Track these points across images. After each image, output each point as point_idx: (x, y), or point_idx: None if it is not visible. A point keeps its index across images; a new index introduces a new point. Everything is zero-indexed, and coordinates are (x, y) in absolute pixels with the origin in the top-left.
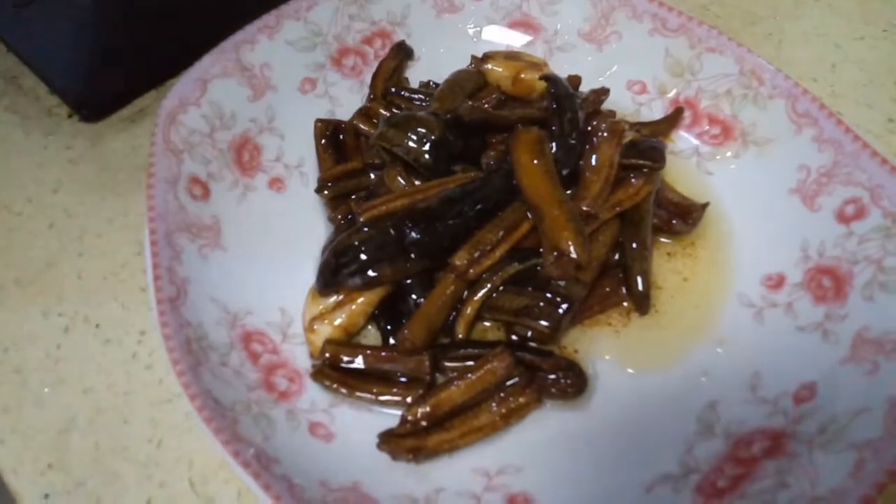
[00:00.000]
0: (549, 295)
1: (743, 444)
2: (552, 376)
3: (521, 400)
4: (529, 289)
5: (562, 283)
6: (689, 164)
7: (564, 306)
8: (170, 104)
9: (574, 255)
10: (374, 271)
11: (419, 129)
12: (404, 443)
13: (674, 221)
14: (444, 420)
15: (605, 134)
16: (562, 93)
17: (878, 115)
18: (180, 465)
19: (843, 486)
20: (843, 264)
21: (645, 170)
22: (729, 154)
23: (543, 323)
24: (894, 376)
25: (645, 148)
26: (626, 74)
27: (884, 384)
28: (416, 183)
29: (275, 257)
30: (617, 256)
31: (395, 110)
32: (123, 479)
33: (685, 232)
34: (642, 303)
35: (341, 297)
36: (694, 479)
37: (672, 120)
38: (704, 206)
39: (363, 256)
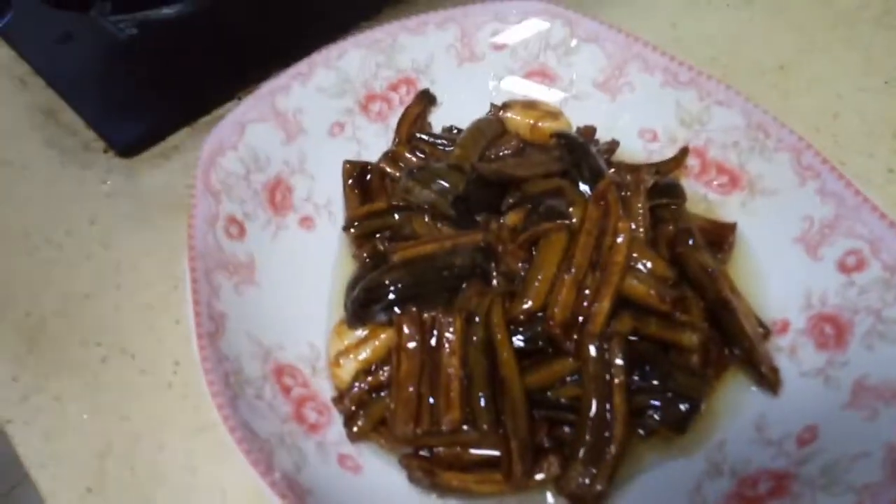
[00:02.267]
0: (668, 393)
1: (749, 484)
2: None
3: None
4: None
5: (681, 377)
6: (697, 210)
7: (687, 406)
8: (210, 147)
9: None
10: (401, 309)
11: (441, 183)
12: (419, 463)
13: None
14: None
15: (633, 187)
16: (574, 144)
17: (878, 165)
18: (213, 493)
19: None
20: (845, 313)
21: (673, 206)
22: (736, 202)
23: (664, 423)
24: (893, 423)
25: (664, 187)
26: (637, 123)
27: (882, 430)
28: (443, 228)
29: (304, 293)
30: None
31: (419, 154)
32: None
33: (725, 262)
34: (775, 382)
35: (366, 332)
36: None
37: (679, 160)
38: (733, 226)
39: (392, 295)
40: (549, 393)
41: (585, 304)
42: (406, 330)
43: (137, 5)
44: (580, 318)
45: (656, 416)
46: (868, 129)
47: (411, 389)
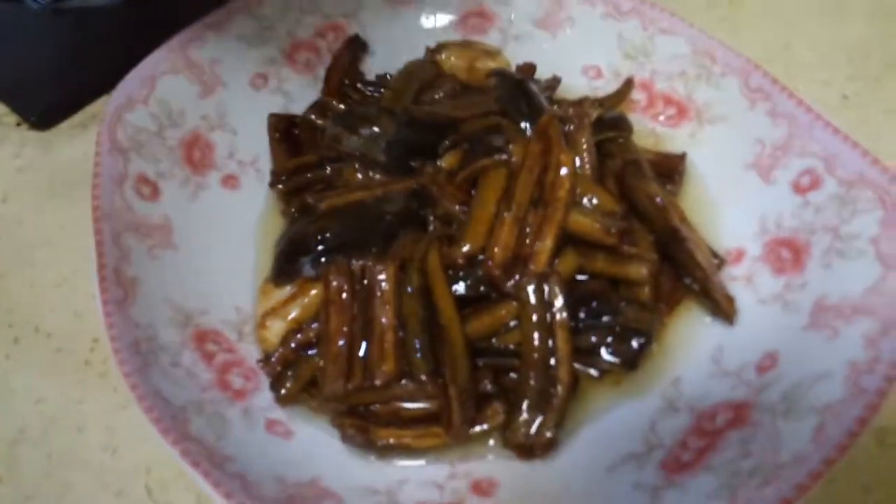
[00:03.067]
0: (617, 328)
1: (706, 418)
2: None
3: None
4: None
5: (630, 311)
6: (645, 145)
7: (641, 340)
8: (116, 102)
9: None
10: (330, 260)
11: (371, 128)
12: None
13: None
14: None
15: (576, 122)
16: (512, 81)
17: (833, 92)
18: (137, 472)
19: (806, 450)
20: (801, 234)
21: (620, 140)
22: (686, 134)
23: (617, 361)
24: (853, 340)
25: (609, 120)
26: (580, 60)
27: (843, 348)
28: (376, 177)
29: (230, 256)
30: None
31: (350, 103)
32: (77, 489)
33: (675, 193)
34: (730, 311)
35: (294, 289)
36: (658, 454)
37: (623, 92)
38: (682, 156)
39: (320, 246)
40: (493, 340)
41: (528, 243)
42: (334, 281)
43: None
44: (524, 260)
45: (607, 354)
46: (821, 57)
47: (342, 343)
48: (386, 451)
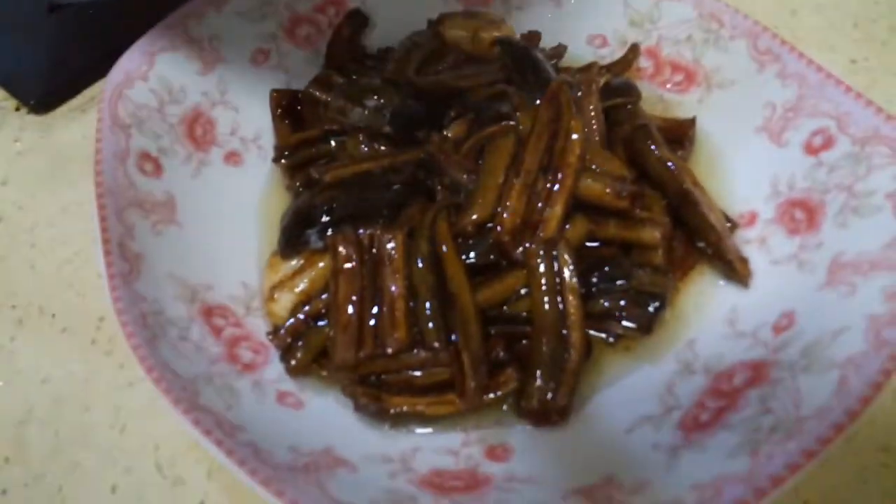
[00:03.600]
0: (631, 293)
1: (724, 378)
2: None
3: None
4: (601, 286)
5: (644, 275)
6: (654, 112)
7: (656, 304)
8: (115, 79)
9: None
10: (336, 231)
11: (376, 99)
12: (364, 389)
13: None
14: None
15: (583, 88)
16: (517, 49)
17: (840, 57)
18: (146, 449)
19: (829, 404)
20: (815, 195)
21: (628, 106)
22: (694, 99)
23: (631, 325)
24: (872, 294)
25: (617, 87)
26: (586, 29)
27: (862, 303)
28: (381, 149)
29: (235, 231)
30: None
31: (352, 77)
32: (86, 467)
33: (686, 159)
34: (745, 273)
35: (301, 262)
36: (676, 415)
37: (629, 59)
38: (692, 121)
39: (326, 217)
40: (505, 308)
41: (538, 209)
42: (342, 250)
43: None
44: (533, 227)
45: (622, 319)
46: (828, 22)
47: (351, 312)
48: (399, 420)
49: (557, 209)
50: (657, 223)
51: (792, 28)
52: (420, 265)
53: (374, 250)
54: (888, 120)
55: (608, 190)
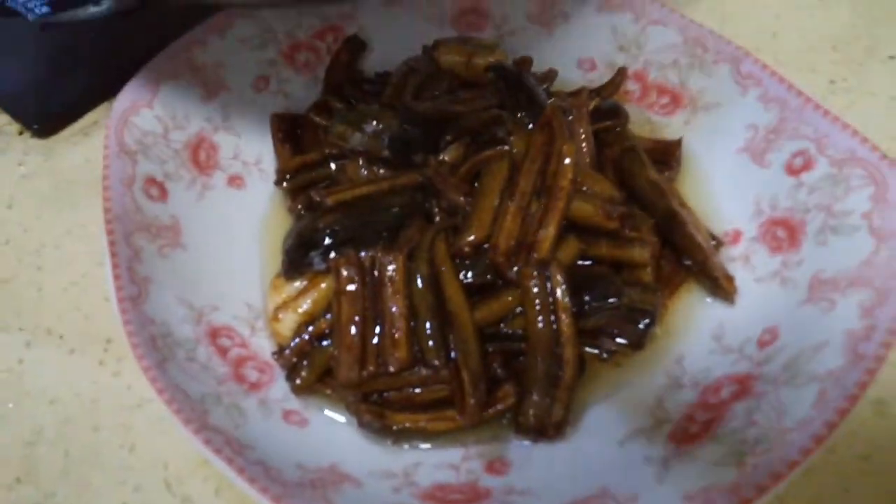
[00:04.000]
0: (624, 310)
1: (711, 392)
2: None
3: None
4: (593, 304)
5: (634, 293)
6: (642, 133)
7: (646, 321)
8: (121, 106)
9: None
10: (338, 253)
11: (374, 124)
12: (367, 406)
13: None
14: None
15: (574, 112)
16: (510, 74)
17: (820, 79)
18: (155, 467)
19: (809, 416)
20: (796, 214)
21: (617, 129)
22: (680, 121)
23: (623, 341)
24: (849, 311)
25: (606, 109)
26: (575, 53)
27: (840, 319)
28: (381, 172)
29: (238, 253)
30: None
31: (351, 102)
32: (95, 486)
33: (673, 179)
34: (730, 290)
35: (304, 283)
36: (666, 428)
37: (617, 82)
38: (678, 142)
39: (328, 239)
40: (502, 326)
41: (532, 231)
42: (344, 272)
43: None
44: (528, 248)
45: (614, 336)
46: (808, 45)
47: (354, 332)
48: (402, 436)
49: (550, 230)
50: (646, 243)
51: (774, 51)
52: (420, 285)
53: (375, 272)
54: (864, 142)
55: (599, 211)
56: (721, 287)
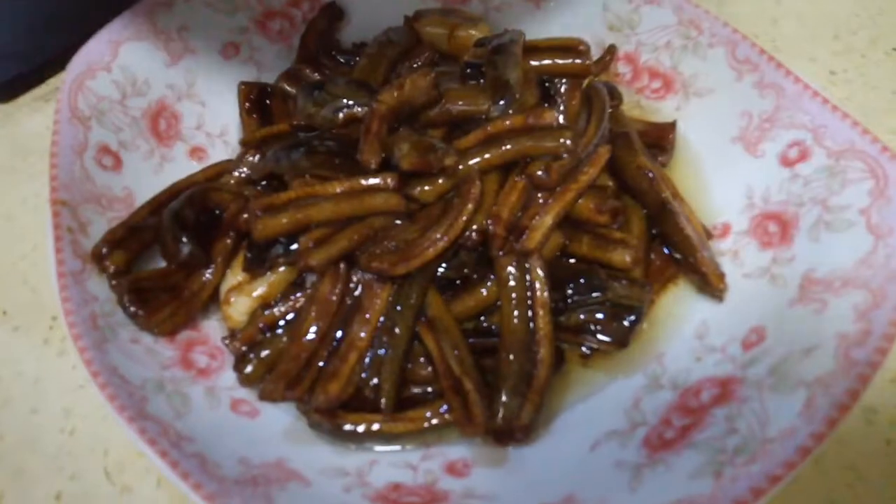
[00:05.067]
0: (609, 306)
1: (691, 394)
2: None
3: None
4: (576, 298)
5: (620, 287)
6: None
7: (632, 318)
8: (76, 69)
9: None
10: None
11: (339, 104)
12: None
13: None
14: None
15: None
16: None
17: (820, 68)
18: (95, 454)
19: (793, 425)
20: (789, 208)
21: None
22: (671, 107)
23: (607, 339)
24: (843, 312)
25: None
26: (565, 32)
27: (833, 321)
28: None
29: None
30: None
31: (326, 72)
32: (30, 473)
33: (667, 164)
34: (720, 287)
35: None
36: (641, 432)
37: (605, 60)
38: (673, 125)
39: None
40: (482, 319)
41: (529, 215)
42: (328, 284)
43: None
44: (520, 232)
45: (598, 333)
46: (808, 32)
47: (311, 338)
48: (354, 437)
49: (548, 219)
50: (629, 246)
51: (772, 37)
52: (400, 313)
53: (356, 293)
54: (864, 133)
55: (591, 203)
56: (709, 283)
